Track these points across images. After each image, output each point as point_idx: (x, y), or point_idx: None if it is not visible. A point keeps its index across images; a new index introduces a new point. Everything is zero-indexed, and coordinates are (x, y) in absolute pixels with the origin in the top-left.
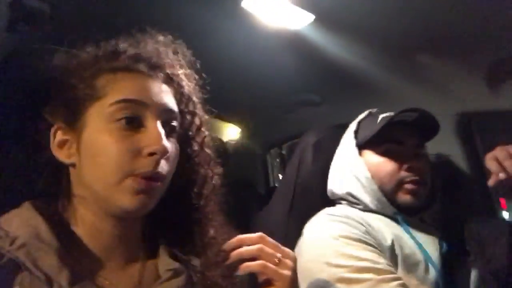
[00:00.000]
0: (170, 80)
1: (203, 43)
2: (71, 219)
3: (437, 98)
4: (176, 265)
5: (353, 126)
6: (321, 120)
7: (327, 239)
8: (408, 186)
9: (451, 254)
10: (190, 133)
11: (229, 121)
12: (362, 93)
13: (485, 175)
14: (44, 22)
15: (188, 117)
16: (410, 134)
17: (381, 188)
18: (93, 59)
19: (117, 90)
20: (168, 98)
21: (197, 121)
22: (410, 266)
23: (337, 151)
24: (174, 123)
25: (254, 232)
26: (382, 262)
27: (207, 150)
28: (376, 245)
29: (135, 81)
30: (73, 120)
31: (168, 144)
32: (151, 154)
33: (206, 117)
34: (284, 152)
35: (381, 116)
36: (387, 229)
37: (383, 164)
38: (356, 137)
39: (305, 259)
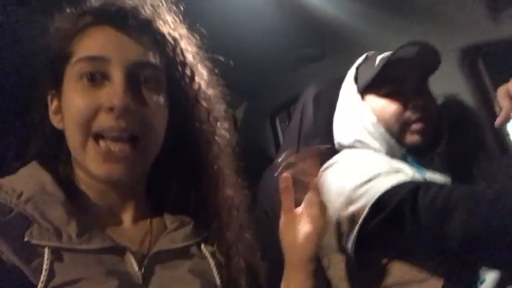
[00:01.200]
0: (145, 28)
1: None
2: (74, 179)
3: (440, 35)
4: (182, 216)
5: (351, 72)
6: (325, 76)
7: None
8: (414, 125)
9: None
10: (182, 84)
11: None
12: (365, 42)
13: (495, 112)
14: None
15: (178, 67)
16: (411, 71)
17: (388, 131)
18: (67, 19)
19: (82, 47)
20: (138, 48)
21: (188, 71)
22: None
23: (338, 100)
24: (151, 76)
25: (262, 192)
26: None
27: (204, 103)
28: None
29: (98, 35)
30: (58, 84)
31: (127, 97)
32: (110, 109)
33: (204, 70)
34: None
35: (379, 58)
36: (388, 162)
37: (387, 106)
38: (356, 82)
39: (341, 187)
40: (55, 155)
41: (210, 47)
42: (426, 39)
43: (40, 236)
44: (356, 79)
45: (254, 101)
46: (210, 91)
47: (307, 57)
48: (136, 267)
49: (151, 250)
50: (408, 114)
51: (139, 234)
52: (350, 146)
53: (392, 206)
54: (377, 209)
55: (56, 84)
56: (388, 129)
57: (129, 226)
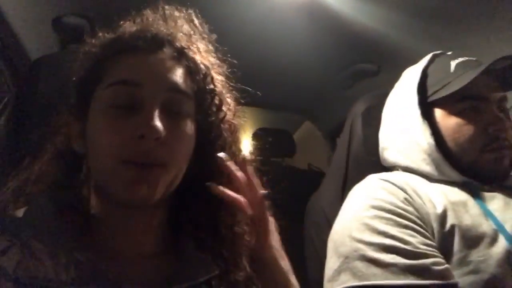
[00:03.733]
0: (179, 56)
1: (231, 24)
2: (89, 205)
3: (497, 44)
4: (195, 251)
5: (415, 76)
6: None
7: (355, 209)
8: (494, 153)
9: None
10: (209, 113)
11: (291, 111)
12: (420, 55)
13: None
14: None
15: (207, 96)
16: (495, 87)
17: (457, 156)
18: (100, 43)
19: (113, 72)
20: (171, 75)
21: (216, 100)
22: (471, 238)
23: (390, 107)
24: (183, 104)
25: (309, 214)
26: (413, 243)
27: (226, 134)
28: (417, 219)
29: (132, 60)
30: (83, 108)
31: (159, 125)
32: (141, 136)
33: (229, 98)
34: None
35: (454, 62)
36: (443, 195)
37: (464, 128)
38: (420, 91)
39: (333, 230)
40: (72, 180)
41: (264, 67)
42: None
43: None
44: (421, 87)
45: (313, 121)
46: (236, 121)
47: (361, 72)
48: None
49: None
50: (488, 138)
51: (152, 268)
52: (395, 165)
53: None
54: None
55: (81, 108)
56: (460, 154)
57: (146, 258)
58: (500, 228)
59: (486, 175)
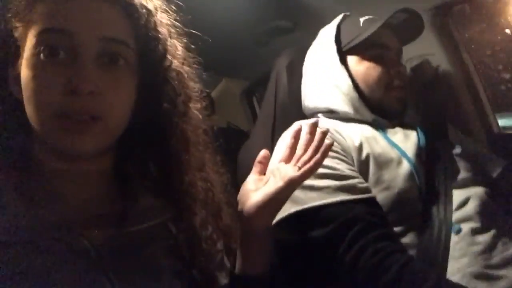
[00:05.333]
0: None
1: None
2: (34, 149)
3: None
4: (148, 195)
5: (331, 30)
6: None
7: None
8: (395, 92)
9: (432, 146)
10: (152, 61)
11: (207, 70)
12: (336, 11)
13: (467, 69)
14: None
15: (150, 43)
16: (395, 38)
17: (367, 96)
18: None
19: (43, 18)
20: (106, 22)
21: (160, 47)
22: (382, 163)
23: (310, 61)
24: (119, 53)
25: (240, 166)
26: (340, 168)
27: (174, 82)
28: (340, 150)
29: (61, 5)
30: (17, 53)
31: (92, 78)
32: (72, 91)
33: (178, 46)
34: None
35: (362, 19)
36: (358, 132)
37: (372, 70)
38: (336, 43)
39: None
40: (14, 126)
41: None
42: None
43: None
44: (336, 39)
45: (229, 80)
46: (184, 69)
47: (277, 29)
48: (91, 248)
49: (113, 232)
50: (391, 80)
51: (102, 214)
52: (317, 111)
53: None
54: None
55: (15, 52)
56: (369, 93)
57: (91, 206)
58: (403, 154)
59: (390, 112)
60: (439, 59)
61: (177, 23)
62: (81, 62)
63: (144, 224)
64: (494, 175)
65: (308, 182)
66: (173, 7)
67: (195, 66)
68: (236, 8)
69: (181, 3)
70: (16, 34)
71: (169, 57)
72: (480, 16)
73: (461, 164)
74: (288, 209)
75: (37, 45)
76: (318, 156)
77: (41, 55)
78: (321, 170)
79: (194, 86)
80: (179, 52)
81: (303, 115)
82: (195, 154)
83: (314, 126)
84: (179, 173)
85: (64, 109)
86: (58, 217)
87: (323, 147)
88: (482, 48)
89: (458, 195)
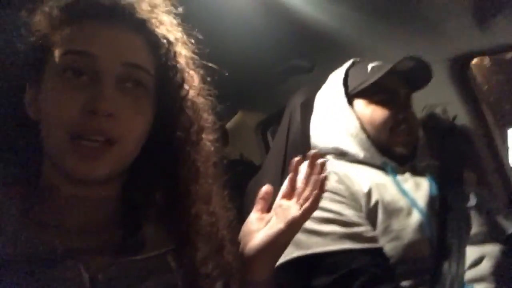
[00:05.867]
0: (140, 28)
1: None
2: (43, 172)
3: (429, 44)
4: (150, 225)
5: (340, 74)
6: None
7: None
8: (401, 137)
9: (445, 197)
10: (170, 90)
11: (224, 102)
12: (354, 52)
13: (486, 120)
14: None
15: (169, 72)
16: (403, 84)
17: (373, 138)
18: (56, 7)
19: (69, 40)
20: (129, 49)
21: (178, 77)
22: (391, 212)
23: (319, 102)
24: (139, 79)
25: (248, 200)
26: (347, 214)
27: (189, 112)
28: (348, 195)
29: (89, 29)
30: (37, 75)
31: (112, 100)
32: (92, 112)
33: (195, 78)
34: None
35: (370, 65)
36: (368, 177)
37: (378, 114)
38: (344, 86)
39: None
40: (25, 147)
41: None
42: (415, 48)
43: None
44: (344, 83)
45: (245, 113)
46: (199, 100)
47: (296, 68)
48: (86, 278)
49: (111, 260)
50: (397, 124)
51: (102, 240)
52: (326, 152)
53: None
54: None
55: (36, 72)
56: (375, 136)
57: (92, 232)
58: (413, 204)
59: (398, 156)
60: (457, 109)
61: (194, 55)
62: (102, 85)
63: (143, 254)
64: (510, 231)
65: (313, 226)
66: (193, 40)
67: (210, 98)
68: (258, 45)
69: (201, 36)
70: (39, 55)
71: (186, 86)
72: (500, 68)
73: (475, 218)
74: (290, 252)
75: (60, 65)
76: (317, 191)
77: (64, 75)
78: (327, 215)
79: (208, 118)
80: (195, 84)
81: None
82: (204, 186)
83: (314, 158)
84: (186, 203)
85: (81, 129)
86: (56, 241)
87: (320, 181)
88: (501, 100)
89: (472, 251)
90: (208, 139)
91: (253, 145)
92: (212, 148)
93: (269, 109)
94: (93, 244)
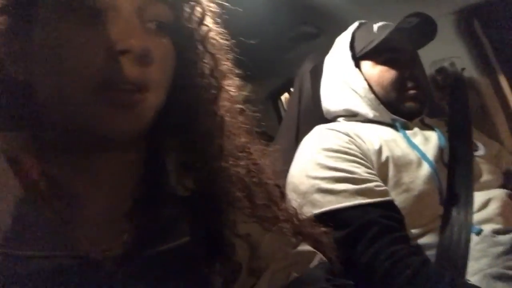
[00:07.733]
0: None
1: None
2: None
3: (432, 0)
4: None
5: (346, 38)
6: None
7: (309, 153)
8: (411, 92)
9: (454, 148)
10: (189, 29)
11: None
12: (360, 16)
13: (495, 72)
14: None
15: (187, 7)
16: (408, 41)
17: (381, 97)
18: None
19: None
20: None
21: (197, 12)
22: (401, 166)
23: (328, 66)
24: (161, 12)
25: None
26: (358, 172)
27: (213, 51)
28: (359, 154)
29: None
30: (25, 15)
31: (143, 36)
32: (123, 52)
33: (212, 19)
34: None
35: (376, 26)
36: (378, 135)
37: (386, 73)
38: (351, 49)
39: (290, 173)
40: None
41: None
42: (420, 4)
43: None
44: (351, 46)
45: (254, 83)
46: (219, 41)
47: (303, 35)
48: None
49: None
50: (405, 81)
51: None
52: (338, 115)
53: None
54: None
55: (22, 14)
56: (384, 95)
57: (111, 212)
58: (423, 156)
59: (407, 111)
60: (466, 63)
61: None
62: (126, 21)
63: (168, 244)
64: None
65: (327, 185)
66: None
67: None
68: (261, 13)
69: None
70: None
71: (206, 23)
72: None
73: (484, 167)
74: (307, 212)
75: (67, 3)
76: None
77: (74, 15)
78: (339, 174)
79: (227, 62)
80: (213, 25)
81: (326, 119)
82: (232, 138)
83: None
84: (217, 158)
85: (111, 77)
86: (71, 225)
87: None
88: None
89: (479, 196)
90: (229, 84)
91: (265, 116)
92: (236, 93)
93: (280, 78)
94: (111, 227)
